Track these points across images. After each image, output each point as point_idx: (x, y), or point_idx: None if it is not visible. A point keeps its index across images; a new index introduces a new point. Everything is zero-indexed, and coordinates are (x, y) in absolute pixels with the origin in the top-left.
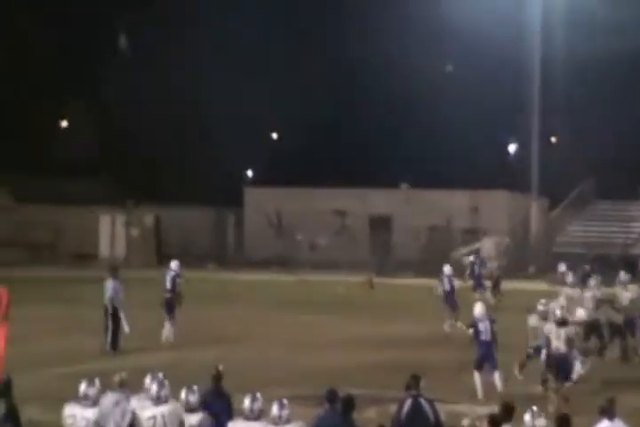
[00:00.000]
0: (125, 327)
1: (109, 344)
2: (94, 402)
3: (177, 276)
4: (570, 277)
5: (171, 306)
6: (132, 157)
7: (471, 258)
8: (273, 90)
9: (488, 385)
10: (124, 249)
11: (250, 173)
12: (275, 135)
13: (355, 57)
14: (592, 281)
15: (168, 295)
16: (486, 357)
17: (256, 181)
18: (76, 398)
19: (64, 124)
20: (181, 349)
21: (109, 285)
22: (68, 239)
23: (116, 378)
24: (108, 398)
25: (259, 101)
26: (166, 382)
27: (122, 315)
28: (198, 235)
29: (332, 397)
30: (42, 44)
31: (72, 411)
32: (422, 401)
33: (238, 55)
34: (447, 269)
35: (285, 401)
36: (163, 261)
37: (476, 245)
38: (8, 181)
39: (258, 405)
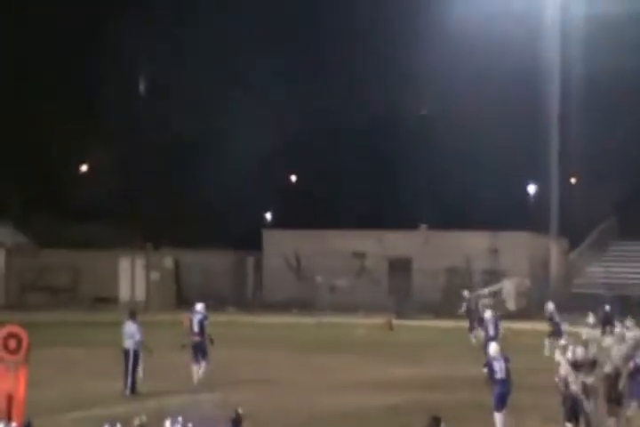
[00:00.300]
0: (140, 372)
1: (129, 388)
2: None
3: (204, 318)
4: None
5: (201, 349)
6: (151, 201)
7: (467, 294)
8: (291, 133)
9: None
10: (144, 292)
11: (269, 215)
12: (293, 178)
13: (372, 99)
14: (629, 322)
15: (197, 339)
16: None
17: (275, 224)
18: None
19: (84, 168)
20: (200, 391)
21: (132, 328)
22: (87, 283)
23: (136, 422)
24: None
25: (277, 144)
26: (190, 426)
27: (140, 359)
28: (218, 278)
29: None
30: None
31: None
32: None
33: (258, 98)
34: (488, 315)
35: None
36: (182, 304)
37: (496, 287)
38: (28, 226)
39: None
